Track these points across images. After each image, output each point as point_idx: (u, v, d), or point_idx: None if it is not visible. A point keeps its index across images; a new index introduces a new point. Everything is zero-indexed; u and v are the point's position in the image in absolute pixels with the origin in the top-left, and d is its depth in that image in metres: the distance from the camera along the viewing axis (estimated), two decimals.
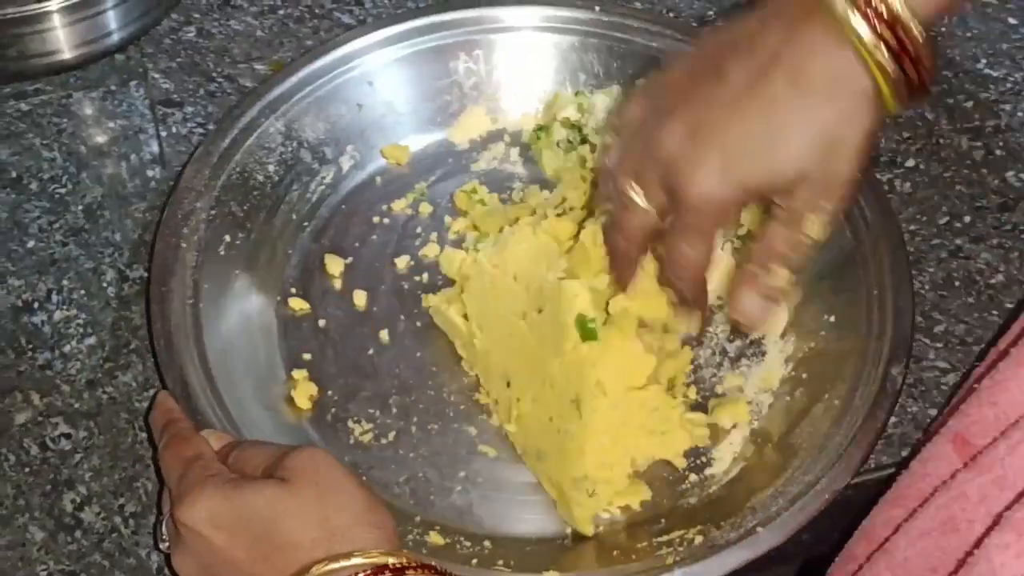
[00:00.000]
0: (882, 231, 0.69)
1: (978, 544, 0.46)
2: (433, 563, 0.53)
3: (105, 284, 0.71)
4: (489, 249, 0.69)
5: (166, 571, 0.60)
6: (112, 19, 0.79)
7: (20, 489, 0.63)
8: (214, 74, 0.80)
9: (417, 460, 0.65)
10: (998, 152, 0.79)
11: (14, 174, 0.75)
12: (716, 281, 0.70)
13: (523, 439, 0.65)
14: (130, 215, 0.74)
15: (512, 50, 0.78)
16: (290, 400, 0.66)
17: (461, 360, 0.69)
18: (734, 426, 0.66)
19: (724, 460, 0.65)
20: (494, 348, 0.66)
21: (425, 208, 0.75)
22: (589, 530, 0.62)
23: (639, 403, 0.61)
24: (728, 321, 0.70)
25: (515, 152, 0.77)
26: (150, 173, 0.76)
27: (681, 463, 0.65)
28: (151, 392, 0.66)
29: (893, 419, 0.65)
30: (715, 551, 0.58)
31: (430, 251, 0.73)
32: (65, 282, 0.71)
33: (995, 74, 0.83)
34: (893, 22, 0.51)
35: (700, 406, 0.68)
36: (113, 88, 0.79)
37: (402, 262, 0.73)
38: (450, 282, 0.71)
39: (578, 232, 0.66)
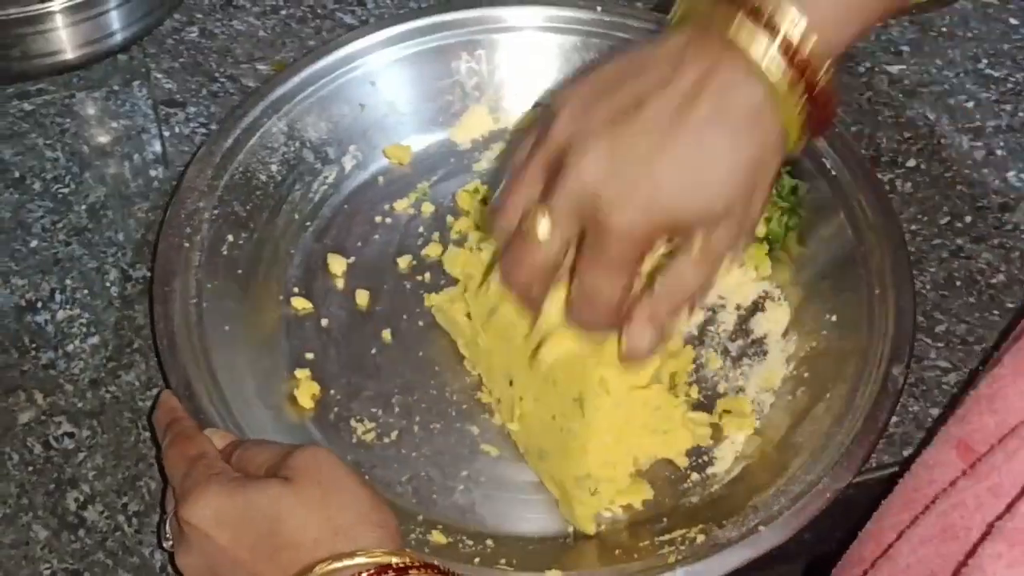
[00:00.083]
0: (883, 231, 0.69)
1: (973, 553, 0.46)
2: (436, 563, 0.53)
3: (108, 284, 0.71)
4: (492, 250, 0.69)
5: (169, 570, 0.61)
6: (115, 19, 0.79)
7: (24, 488, 0.63)
8: (217, 74, 0.80)
9: (419, 459, 0.65)
10: (999, 152, 0.79)
11: (17, 174, 0.75)
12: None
13: (525, 438, 0.65)
14: (133, 215, 0.74)
15: (514, 50, 0.78)
16: (293, 399, 0.67)
17: (463, 359, 0.69)
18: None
19: (726, 459, 0.65)
20: (496, 347, 0.66)
21: (427, 208, 0.75)
22: (591, 529, 0.62)
23: (642, 402, 0.61)
24: (729, 321, 0.71)
25: None
26: (153, 173, 0.76)
27: (683, 462, 0.65)
28: (154, 391, 0.66)
29: (894, 419, 0.65)
30: (717, 550, 0.58)
31: (432, 251, 0.73)
32: (68, 281, 0.71)
33: (996, 74, 0.83)
34: (802, 63, 0.51)
35: (702, 405, 0.68)
36: (116, 88, 0.79)
37: (404, 262, 0.73)
38: (453, 282, 0.71)
39: None
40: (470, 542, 0.61)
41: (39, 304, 0.70)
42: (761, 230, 0.71)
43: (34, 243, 0.72)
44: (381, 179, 0.76)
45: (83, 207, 0.74)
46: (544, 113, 0.56)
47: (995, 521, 0.45)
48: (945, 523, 0.50)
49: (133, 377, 0.67)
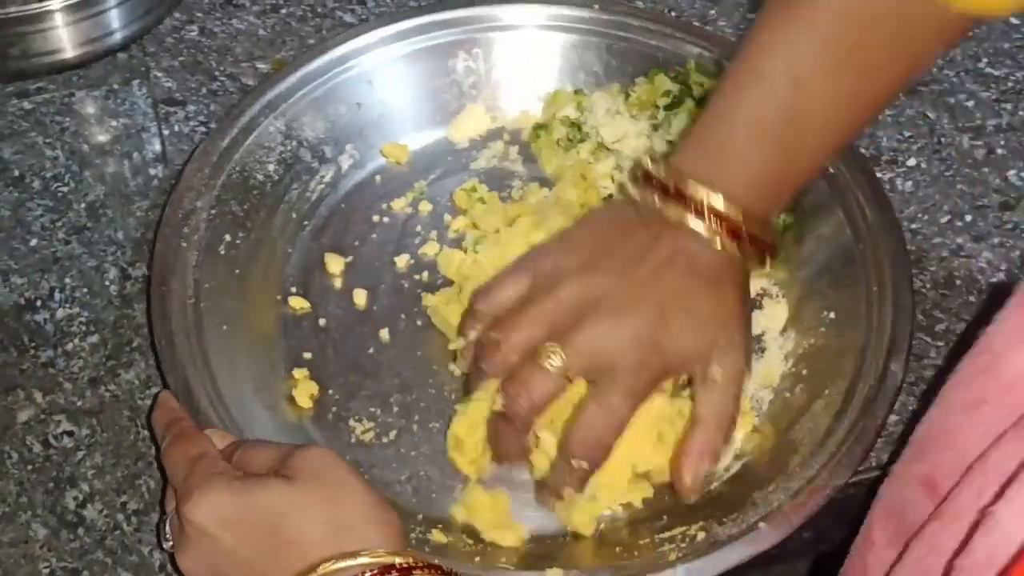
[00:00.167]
0: (881, 228, 0.69)
1: None
2: (439, 563, 0.53)
3: (107, 282, 0.71)
4: (490, 250, 0.69)
5: (168, 568, 0.61)
6: (114, 18, 0.80)
7: (23, 487, 0.63)
8: (216, 73, 0.80)
9: (418, 458, 0.65)
10: (999, 151, 0.79)
11: (17, 172, 0.75)
12: None
13: None
14: (132, 213, 0.74)
15: (511, 48, 0.78)
16: (291, 399, 0.66)
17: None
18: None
19: (725, 456, 0.65)
20: None
21: (425, 207, 0.75)
22: (589, 532, 0.62)
23: (643, 411, 0.61)
24: None
25: (514, 150, 0.77)
26: (152, 172, 0.76)
27: None
28: (153, 390, 0.66)
29: (894, 417, 0.65)
30: (717, 547, 0.59)
31: (430, 250, 0.73)
32: (67, 280, 0.71)
33: (996, 73, 0.83)
34: (733, 227, 0.59)
35: None
36: (115, 87, 0.79)
37: (402, 261, 0.73)
38: (450, 281, 0.71)
39: None
40: (470, 541, 0.61)
41: (38, 302, 0.70)
42: None
43: (33, 241, 0.72)
44: (378, 178, 0.76)
45: (83, 206, 0.74)
46: (528, 260, 0.64)
47: (953, 559, 0.44)
48: (923, 567, 0.49)
49: (132, 376, 0.67)
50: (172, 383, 0.63)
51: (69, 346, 0.68)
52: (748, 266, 0.62)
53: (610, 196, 0.74)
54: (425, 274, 0.72)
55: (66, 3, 0.77)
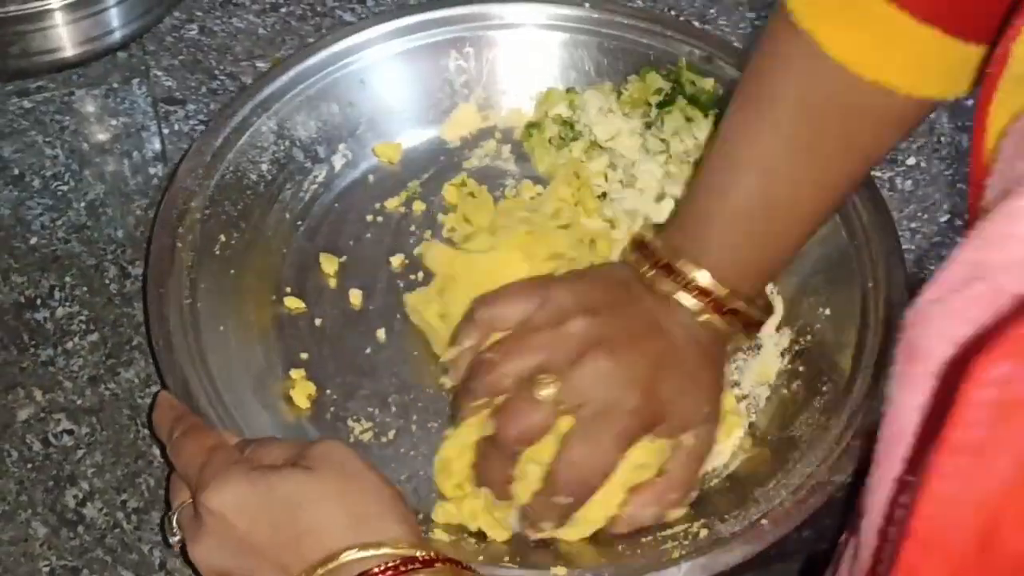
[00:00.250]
0: (876, 224, 0.69)
1: None
2: (459, 559, 0.53)
3: (107, 281, 0.71)
4: (478, 249, 0.68)
5: (168, 566, 0.61)
6: (114, 17, 0.80)
7: (23, 485, 0.63)
8: (216, 72, 0.80)
9: (418, 458, 0.65)
10: None
11: (16, 171, 0.75)
12: None
13: None
14: (132, 212, 0.74)
15: (503, 47, 0.78)
16: (288, 399, 0.67)
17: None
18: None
19: (724, 454, 0.65)
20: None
21: (418, 206, 0.75)
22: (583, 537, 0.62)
23: (627, 457, 0.61)
24: None
25: (507, 149, 0.77)
26: (152, 170, 0.76)
27: None
28: (153, 388, 0.66)
29: None
30: (720, 544, 0.59)
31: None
32: (67, 279, 0.71)
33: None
34: (718, 303, 0.62)
35: None
36: (115, 86, 0.79)
37: (396, 260, 0.73)
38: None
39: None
40: (472, 540, 0.61)
41: (38, 301, 0.70)
42: None
43: (33, 240, 0.72)
44: (371, 177, 0.76)
45: (82, 204, 0.74)
46: (539, 285, 0.65)
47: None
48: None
49: (132, 374, 0.67)
50: (171, 384, 0.63)
51: (69, 344, 0.68)
52: (735, 340, 0.65)
53: (603, 194, 0.74)
54: (420, 273, 0.72)
55: (66, 2, 0.77)
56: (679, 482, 0.61)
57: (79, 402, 0.66)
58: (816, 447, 0.62)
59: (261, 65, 0.81)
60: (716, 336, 0.63)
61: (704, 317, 0.62)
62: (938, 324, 0.37)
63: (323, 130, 0.75)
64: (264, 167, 0.73)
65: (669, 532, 0.61)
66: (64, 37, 0.79)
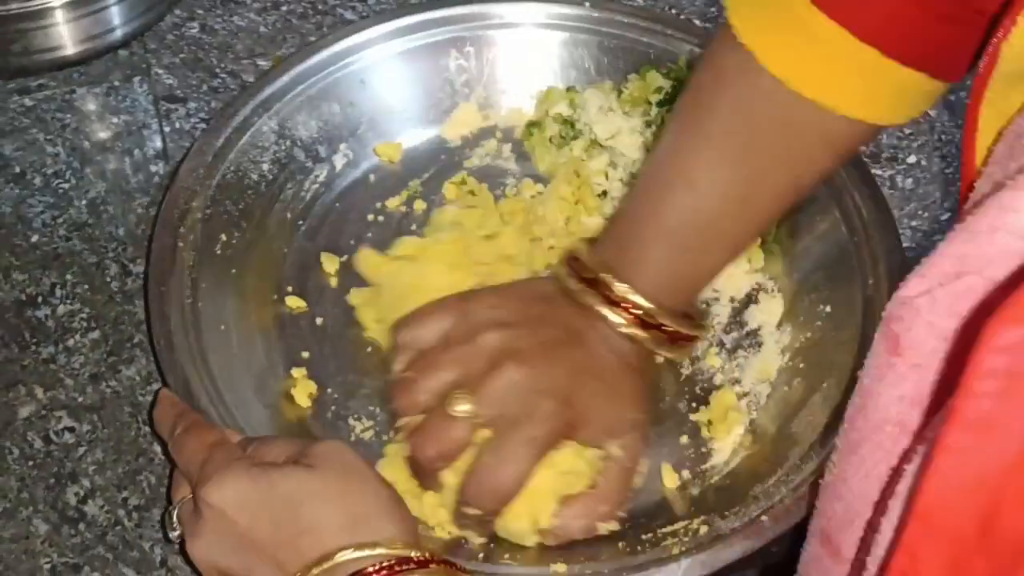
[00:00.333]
0: (876, 222, 0.69)
1: None
2: (455, 561, 0.54)
3: (108, 279, 0.71)
4: (408, 265, 0.69)
5: (169, 563, 0.61)
6: (115, 15, 0.80)
7: (24, 482, 0.63)
8: (217, 70, 0.80)
9: None
10: None
11: (18, 169, 0.75)
12: None
13: None
14: (133, 210, 0.74)
15: (503, 46, 0.78)
16: (290, 398, 0.67)
17: None
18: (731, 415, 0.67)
19: (724, 451, 0.66)
20: None
21: (419, 205, 0.75)
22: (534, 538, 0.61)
23: (548, 465, 0.60)
24: (724, 313, 0.71)
25: (507, 148, 0.77)
26: (153, 168, 0.76)
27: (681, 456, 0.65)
28: (154, 386, 0.66)
29: None
30: (720, 540, 0.59)
31: None
32: (68, 276, 0.71)
33: None
34: (646, 321, 0.62)
35: (700, 398, 0.68)
36: (116, 84, 0.79)
37: None
38: None
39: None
40: (473, 538, 0.61)
41: (39, 299, 0.70)
42: None
43: (35, 238, 0.72)
44: (372, 177, 0.76)
45: (83, 202, 0.74)
46: (454, 302, 0.65)
47: None
48: None
49: (133, 372, 0.67)
50: (172, 383, 0.63)
51: (70, 342, 0.68)
52: (671, 354, 0.65)
53: (604, 193, 0.74)
54: None
55: (67, 0, 0.77)
56: (608, 494, 0.61)
57: (80, 400, 0.66)
58: (817, 444, 0.62)
59: (262, 63, 0.81)
60: (640, 350, 0.63)
61: (628, 331, 0.62)
62: (925, 317, 0.37)
63: (324, 129, 0.75)
64: (265, 166, 0.73)
65: (669, 529, 0.61)
66: (65, 35, 0.79)
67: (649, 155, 0.65)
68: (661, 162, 0.63)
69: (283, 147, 0.74)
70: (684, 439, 0.66)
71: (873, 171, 0.73)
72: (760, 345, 0.70)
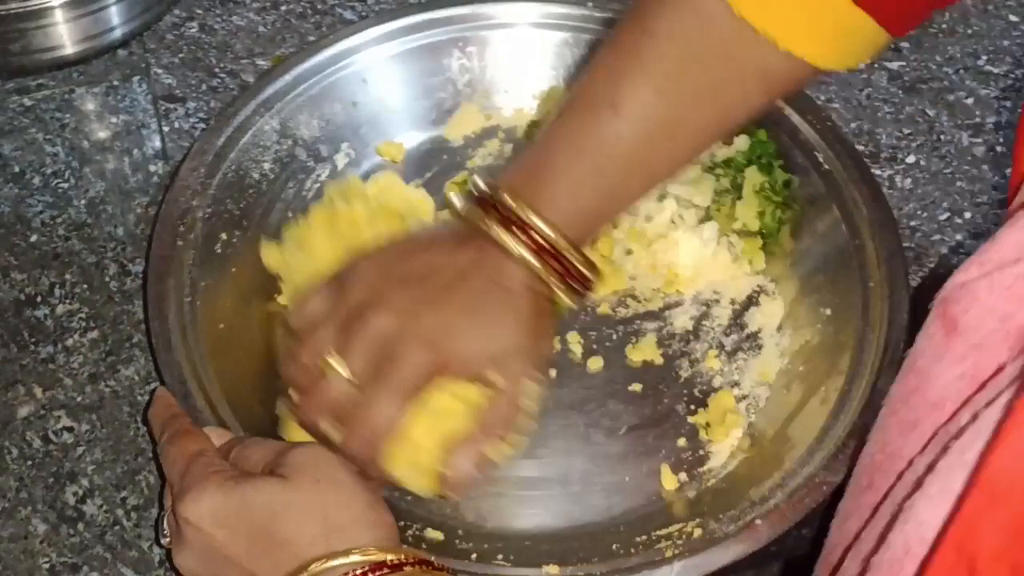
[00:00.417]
0: (877, 224, 0.69)
1: None
2: (432, 558, 0.53)
3: (107, 278, 0.71)
4: (298, 251, 0.68)
5: (167, 563, 0.61)
6: (114, 14, 0.80)
7: (23, 482, 0.63)
8: (216, 69, 0.80)
9: None
10: (999, 149, 0.79)
11: (17, 169, 0.75)
12: (710, 273, 0.71)
13: None
14: (132, 210, 0.74)
15: (506, 46, 0.78)
16: (289, 397, 0.66)
17: None
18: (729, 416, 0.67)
19: (722, 454, 0.66)
20: None
21: None
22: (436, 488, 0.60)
23: (422, 407, 0.59)
24: (724, 315, 0.71)
25: (509, 148, 0.77)
26: (152, 168, 0.76)
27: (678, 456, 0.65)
28: (153, 386, 0.66)
29: None
30: (714, 544, 0.59)
31: None
32: (67, 276, 0.71)
33: (996, 71, 0.83)
34: (549, 252, 0.59)
35: (699, 401, 0.68)
36: (115, 83, 0.79)
37: None
38: None
39: None
40: (466, 538, 0.61)
41: (38, 298, 0.70)
42: (755, 224, 0.71)
43: (33, 237, 0.72)
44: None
45: (83, 202, 0.74)
46: (339, 278, 0.61)
47: (870, 557, 0.44)
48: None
49: (132, 372, 0.67)
50: (169, 382, 0.63)
51: (69, 342, 0.68)
52: (559, 294, 0.61)
53: None
54: None
55: (66, 0, 0.77)
56: (490, 422, 0.59)
57: (79, 399, 0.66)
58: (815, 448, 0.62)
59: (261, 63, 0.81)
60: (533, 277, 0.60)
61: (519, 253, 0.59)
62: (984, 300, 0.37)
63: (326, 129, 0.75)
64: (267, 166, 0.73)
65: (663, 532, 0.61)
66: (64, 35, 0.79)
67: (579, 77, 0.62)
68: (589, 85, 0.61)
69: (285, 146, 0.74)
70: (682, 441, 0.66)
71: (872, 171, 0.73)
72: (760, 348, 0.70)
